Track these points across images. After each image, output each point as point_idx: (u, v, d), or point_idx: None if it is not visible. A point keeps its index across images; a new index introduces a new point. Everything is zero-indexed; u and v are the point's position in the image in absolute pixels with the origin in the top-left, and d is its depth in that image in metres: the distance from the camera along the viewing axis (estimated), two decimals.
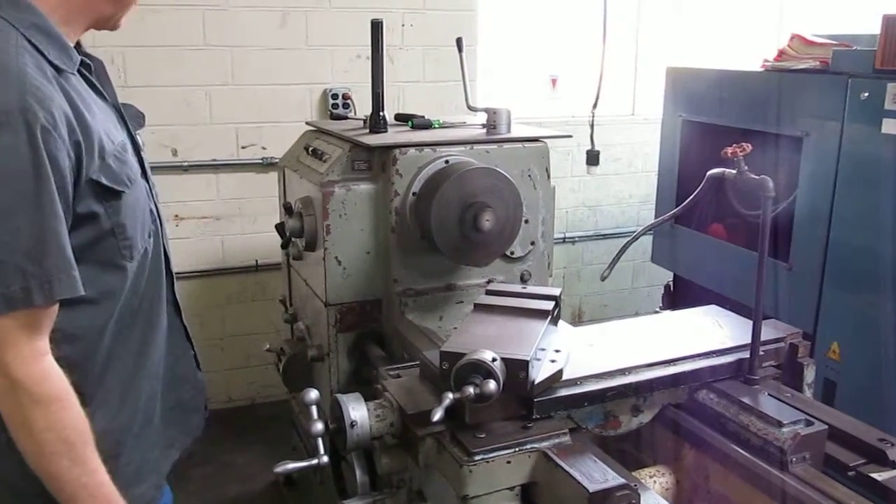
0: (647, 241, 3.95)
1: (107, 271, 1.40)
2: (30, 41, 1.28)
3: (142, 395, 1.53)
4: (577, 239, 4.91)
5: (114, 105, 1.52)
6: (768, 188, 1.75)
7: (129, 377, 1.49)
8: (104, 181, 1.34)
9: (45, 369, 1.26)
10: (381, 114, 2.60)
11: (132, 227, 1.42)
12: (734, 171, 1.83)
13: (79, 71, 1.40)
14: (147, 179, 1.55)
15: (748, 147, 1.76)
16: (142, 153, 1.57)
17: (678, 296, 3.86)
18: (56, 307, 1.28)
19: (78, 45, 1.48)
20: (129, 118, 1.57)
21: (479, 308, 1.79)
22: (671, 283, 3.94)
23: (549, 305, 1.77)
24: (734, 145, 1.78)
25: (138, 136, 1.61)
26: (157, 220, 1.57)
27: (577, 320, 5.01)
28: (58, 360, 1.30)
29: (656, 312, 3.53)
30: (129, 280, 1.45)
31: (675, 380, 1.77)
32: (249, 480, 3.43)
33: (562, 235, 4.80)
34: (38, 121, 1.21)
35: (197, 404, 1.76)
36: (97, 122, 1.35)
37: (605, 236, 4.95)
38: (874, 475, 1.55)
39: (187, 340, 1.72)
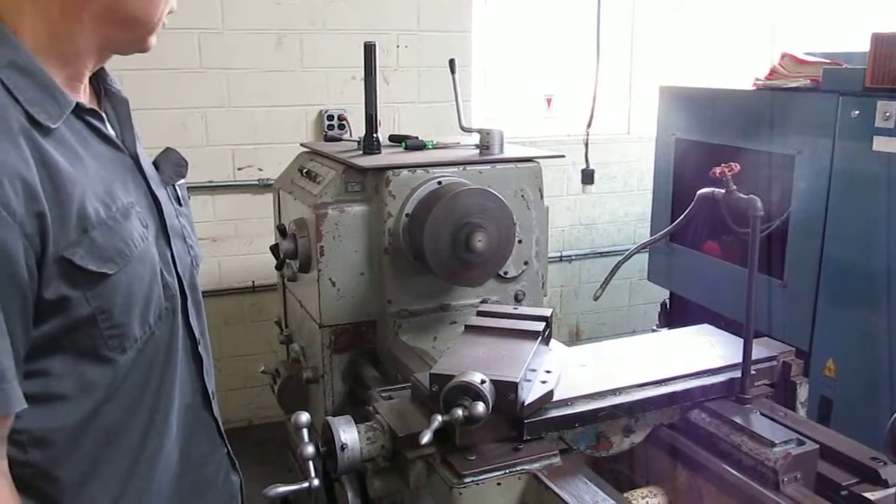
0: (643, 259, 3.96)
1: (87, 364, 1.14)
2: (3, 84, 1.06)
3: None
4: (573, 257, 4.92)
5: (131, 155, 1.26)
6: (757, 207, 1.75)
7: (121, 487, 1.22)
8: (78, 261, 1.08)
9: None
10: (375, 135, 2.62)
11: (124, 313, 1.15)
12: (723, 191, 1.83)
13: (81, 117, 1.17)
14: (170, 244, 1.28)
15: (736, 167, 1.77)
16: (175, 210, 1.33)
17: (674, 314, 3.86)
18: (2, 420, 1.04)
19: (101, 81, 1.29)
20: (167, 167, 1.35)
21: (470, 329, 1.79)
22: (667, 301, 3.94)
23: (539, 326, 1.77)
24: (722, 165, 1.78)
25: (179, 189, 1.37)
26: (177, 295, 1.27)
27: (575, 338, 5.01)
28: (26, 465, 1.11)
29: (653, 330, 3.54)
30: (121, 374, 1.18)
31: (666, 400, 1.76)
32: (246, 502, 3.40)
33: (558, 254, 4.81)
34: None
35: None
36: (86, 184, 1.11)
37: (601, 254, 4.96)
38: (867, 494, 1.54)
39: (219, 436, 1.44)
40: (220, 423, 1.44)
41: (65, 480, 1.15)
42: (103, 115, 1.24)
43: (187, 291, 1.32)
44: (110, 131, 1.24)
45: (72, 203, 1.07)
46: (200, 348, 1.36)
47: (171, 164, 1.36)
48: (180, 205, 1.37)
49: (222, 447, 1.46)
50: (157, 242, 1.24)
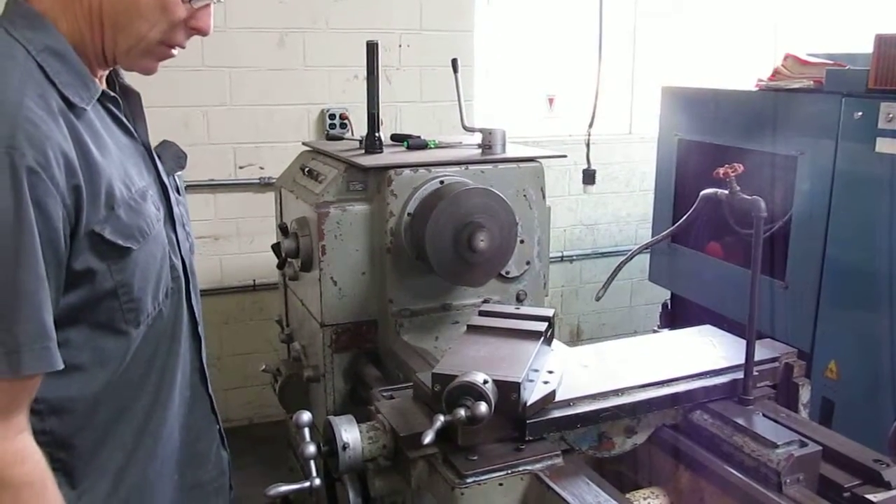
0: (644, 259, 3.95)
1: (104, 336, 1.22)
2: (41, 66, 1.14)
3: (142, 479, 1.34)
4: (574, 258, 4.91)
5: (143, 144, 1.36)
6: (760, 208, 1.74)
7: (127, 457, 1.30)
8: (108, 235, 1.16)
9: (18, 450, 1.10)
10: (377, 134, 2.62)
11: (141, 288, 1.24)
12: (726, 192, 1.83)
13: (103, 104, 1.25)
14: (175, 230, 1.37)
15: (739, 167, 1.77)
16: (176, 198, 1.40)
17: (676, 314, 3.85)
18: (35, 380, 1.11)
19: (114, 74, 1.35)
20: (168, 158, 1.41)
21: (472, 329, 1.78)
22: (669, 302, 3.94)
23: (541, 326, 1.77)
24: (726, 166, 1.78)
25: (178, 179, 1.45)
26: (183, 277, 1.38)
27: (576, 339, 5.01)
28: (42, 433, 1.17)
29: (654, 331, 3.53)
30: (133, 347, 1.27)
31: (668, 400, 1.76)
32: (246, 502, 3.39)
33: (560, 254, 4.80)
34: (24, 161, 1.04)
35: (220, 486, 1.58)
36: (111, 165, 1.19)
37: (603, 255, 4.95)
38: (869, 497, 1.53)
39: (212, 413, 1.54)
40: (213, 400, 1.54)
41: (79, 448, 1.24)
42: (121, 103, 1.32)
43: (189, 274, 1.42)
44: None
45: (101, 180, 1.15)
46: (200, 328, 1.46)
47: (172, 155, 1.44)
48: (179, 194, 1.45)
49: (215, 423, 1.56)
50: (164, 226, 1.33)
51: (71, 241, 1.12)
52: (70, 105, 1.15)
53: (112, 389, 1.25)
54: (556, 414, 1.63)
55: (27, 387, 1.10)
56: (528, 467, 1.50)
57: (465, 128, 2.87)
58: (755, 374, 1.82)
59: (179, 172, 1.47)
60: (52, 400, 1.18)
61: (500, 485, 1.47)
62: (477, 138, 2.75)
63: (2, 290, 1.05)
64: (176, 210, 1.39)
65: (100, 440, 1.26)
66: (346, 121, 3.94)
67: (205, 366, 1.49)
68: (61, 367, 1.11)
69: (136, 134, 1.33)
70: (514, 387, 1.51)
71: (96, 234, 1.15)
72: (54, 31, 1.17)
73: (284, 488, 1.58)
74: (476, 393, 1.46)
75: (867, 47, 2.72)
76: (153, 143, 1.42)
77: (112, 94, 1.28)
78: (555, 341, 1.90)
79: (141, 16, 1.21)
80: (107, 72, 1.31)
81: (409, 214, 2.39)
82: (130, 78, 1.40)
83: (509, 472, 1.49)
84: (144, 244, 1.23)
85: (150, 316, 1.28)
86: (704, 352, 1.97)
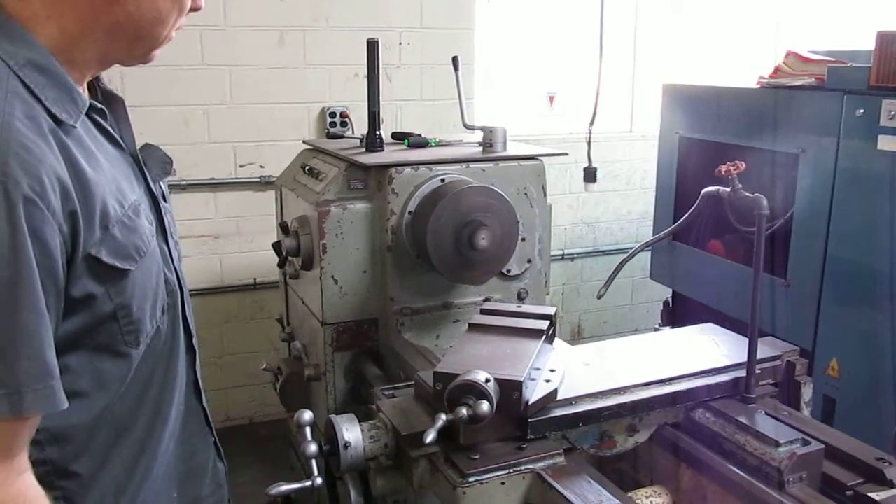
0: (645, 257, 3.95)
1: (104, 359, 1.17)
2: (24, 83, 1.05)
3: (141, 498, 1.30)
4: (575, 255, 4.91)
5: (132, 154, 1.29)
6: (762, 206, 1.74)
7: (126, 478, 1.26)
8: (104, 258, 1.11)
9: (20, 493, 1.05)
10: (378, 133, 2.61)
11: (140, 308, 1.19)
12: (728, 189, 1.82)
13: (89, 116, 1.18)
14: (166, 240, 1.32)
15: (742, 165, 1.77)
16: (164, 206, 1.35)
17: (677, 312, 3.85)
18: (36, 419, 1.06)
19: (95, 80, 1.28)
20: (153, 165, 1.34)
21: (474, 328, 1.78)
22: (670, 300, 3.94)
23: (543, 325, 1.77)
24: (728, 163, 1.78)
25: (163, 185, 1.38)
26: (177, 289, 1.33)
27: (577, 337, 5.00)
28: (42, 463, 1.14)
29: (655, 329, 3.53)
30: (133, 367, 1.23)
31: (670, 399, 1.75)
32: (247, 501, 3.39)
33: (560, 252, 4.80)
34: (19, 190, 0.97)
35: (218, 500, 1.55)
36: (104, 182, 1.12)
37: (603, 253, 4.95)
38: (872, 495, 1.53)
39: (207, 425, 1.50)
40: (209, 412, 1.50)
41: (80, 475, 1.19)
42: (107, 114, 1.26)
43: (182, 286, 1.36)
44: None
45: (95, 201, 1.09)
46: (194, 340, 1.41)
47: (158, 161, 1.36)
48: (165, 201, 1.39)
49: (210, 436, 1.52)
50: (157, 239, 1.27)
51: (68, 267, 1.07)
52: (58, 121, 1.08)
53: (111, 412, 1.22)
54: (558, 413, 1.63)
55: (28, 426, 1.05)
56: (530, 466, 1.50)
57: (465, 126, 2.86)
58: (757, 372, 1.82)
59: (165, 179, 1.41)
60: (53, 429, 1.14)
61: (503, 484, 1.47)
62: (478, 136, 2.74)
63: (1, 328, 0.98)
64: (165, 219, 1.35)
65: (99, 464, 1.22)
66: (346, 119, 3.94)
67: (199, 378, 1.45)
68: (65, 406, 1.06)
69: (123, 143, 1.28)
70: (516, 385, 1.51)
71: (93, 258, 1.09)
72: (34, 42, 1.09)
73: (286, 487, 1.57)
74: (478, 392, 1.46)
75: (869, 44, 2.72)
76: (156, 143, 1.38)
77: (99, 105, 1.21)
78: (556, 340, 1.89)
79: (162, 22, 1.19)
80: (89, 78, 1.25)
81: (410, 213, 2.39)
82: (126, 80, 1.36)
83: (511, 471, 1.49)
84: (141, 263, 1.18)
85: (148, 335, 1.24)
86: (706, 350, 1.97)
